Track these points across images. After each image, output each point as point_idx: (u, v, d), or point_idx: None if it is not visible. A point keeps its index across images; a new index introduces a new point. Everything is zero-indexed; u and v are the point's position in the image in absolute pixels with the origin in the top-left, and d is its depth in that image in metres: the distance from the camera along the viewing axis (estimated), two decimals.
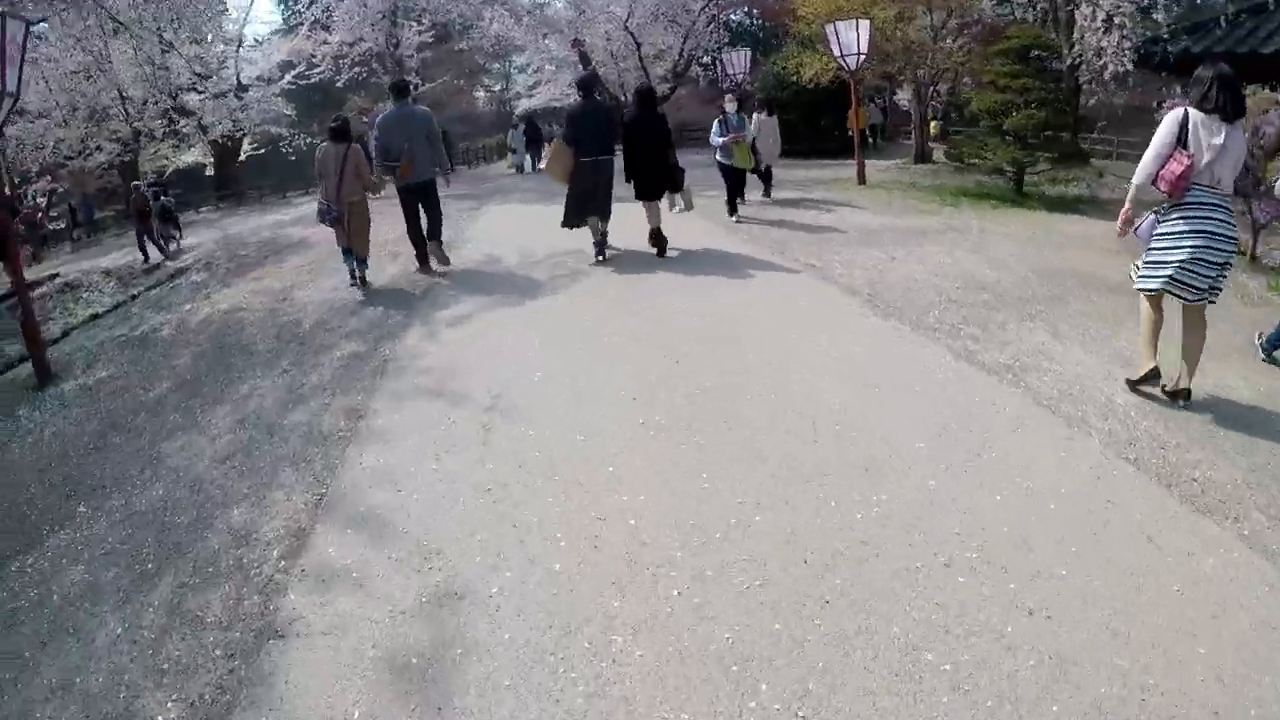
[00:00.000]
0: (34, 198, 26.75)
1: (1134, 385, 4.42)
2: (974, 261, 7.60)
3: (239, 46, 28.22)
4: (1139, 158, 4.24)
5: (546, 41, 29.08)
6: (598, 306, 6.59)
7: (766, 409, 4.33)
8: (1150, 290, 4.28)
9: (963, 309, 5.97)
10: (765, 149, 11.77)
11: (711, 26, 28.18)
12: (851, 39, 13.53)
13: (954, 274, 7.03)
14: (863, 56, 13.79)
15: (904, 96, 27.84)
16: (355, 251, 7.84)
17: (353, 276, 7.92)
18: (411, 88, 10.14)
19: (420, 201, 8.08)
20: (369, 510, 3.70)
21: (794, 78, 19.30)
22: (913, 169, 16.54)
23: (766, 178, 12.27)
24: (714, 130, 10.43)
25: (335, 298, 7.77)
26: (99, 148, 25.75)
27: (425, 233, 8.22)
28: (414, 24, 26.58)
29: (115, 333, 8.41)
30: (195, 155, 31.01)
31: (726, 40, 30.02)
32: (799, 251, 8.17)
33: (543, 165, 9.45)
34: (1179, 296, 4.19)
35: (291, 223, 16.04)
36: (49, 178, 26.69)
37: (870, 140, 22.95)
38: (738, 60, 19.59)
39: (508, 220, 12.19)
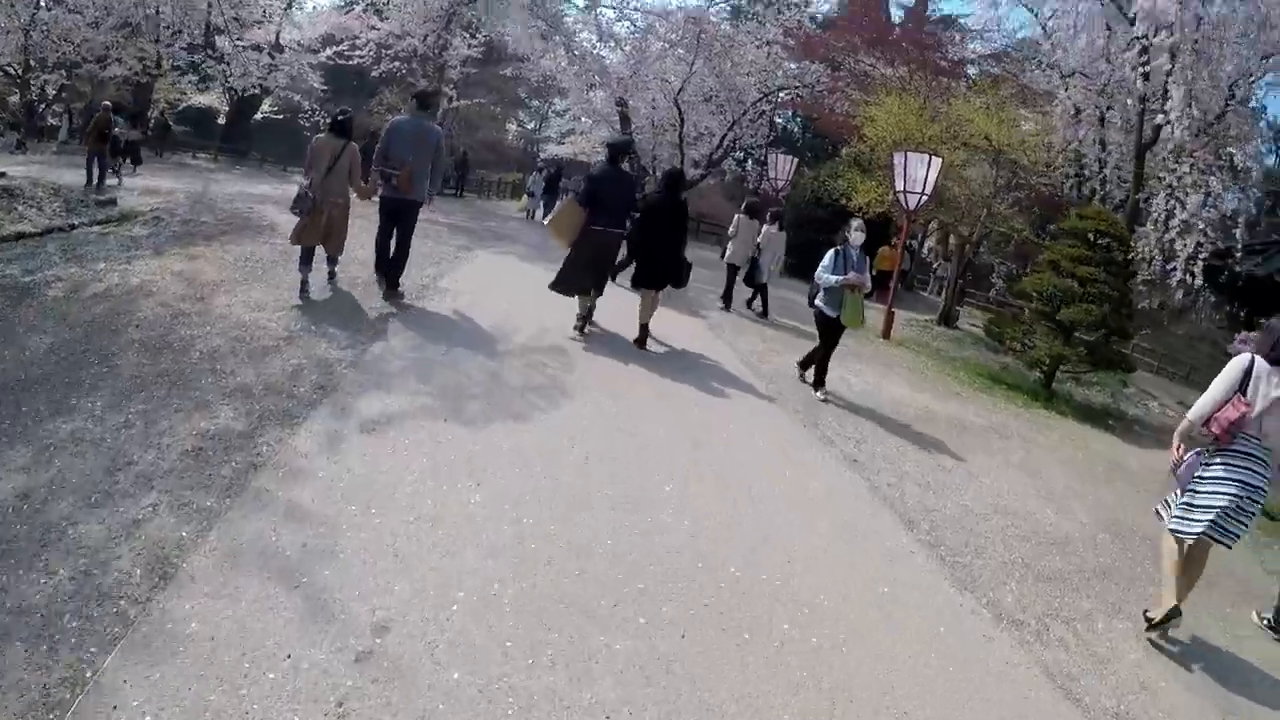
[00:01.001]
0: (43, 87, 26.06)
1: (1154, 625, 4.15)
2: (1032, 493, 6.34)
3: (288, 5, 27.11)
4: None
5: (591, 94, 28.36)
6: (573, 426, 5.19)
7: None
8: (1189, 535, 4.17)
9: (1040, 583, 4.60)
10: (766, 264, 11.82)
11: (759, 122, 27.54)
12: (919, 175, 12.58)
13: (1017, 513, 5.72)
14: (925, 197, 12.77)
15: (925, 245, 27.38)
16: (328, 250, 7.41)
17: (303, 289, 7.11)
18: (436, 102, 9.01)
19: (396, 225, 7.59)
20: None
21: (838, 198, 18.32)
22: (936, 331, 15.48)
23: (763, 294, 12.13)
24: (826, 263, 7.32)
25: (258, 320, 6.17)
26: (119, 59, 24.54)
27: (388, 265, 7.71)
28: (466, 35, 25.68)
29: (2, 271, 6.89)
30: (213, 99, 29.55)
31: (770, 139, 29.53)
32: (832, 427, 6.84)
33: (547, 221, 8.40)
34: (1218, 542, 4.14)
35: (272, 200, 14.57)
36: (63, 72, 25.71)
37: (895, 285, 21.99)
38: (783, 165, 18.68)
39: (496, 272, 10.87)
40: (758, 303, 12.34)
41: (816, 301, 7.51)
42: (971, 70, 25.09)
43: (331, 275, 7.76)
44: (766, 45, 25.02)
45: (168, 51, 25.24)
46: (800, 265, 21.43)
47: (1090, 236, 11.60)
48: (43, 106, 26.62)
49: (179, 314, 6.14)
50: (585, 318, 7.59)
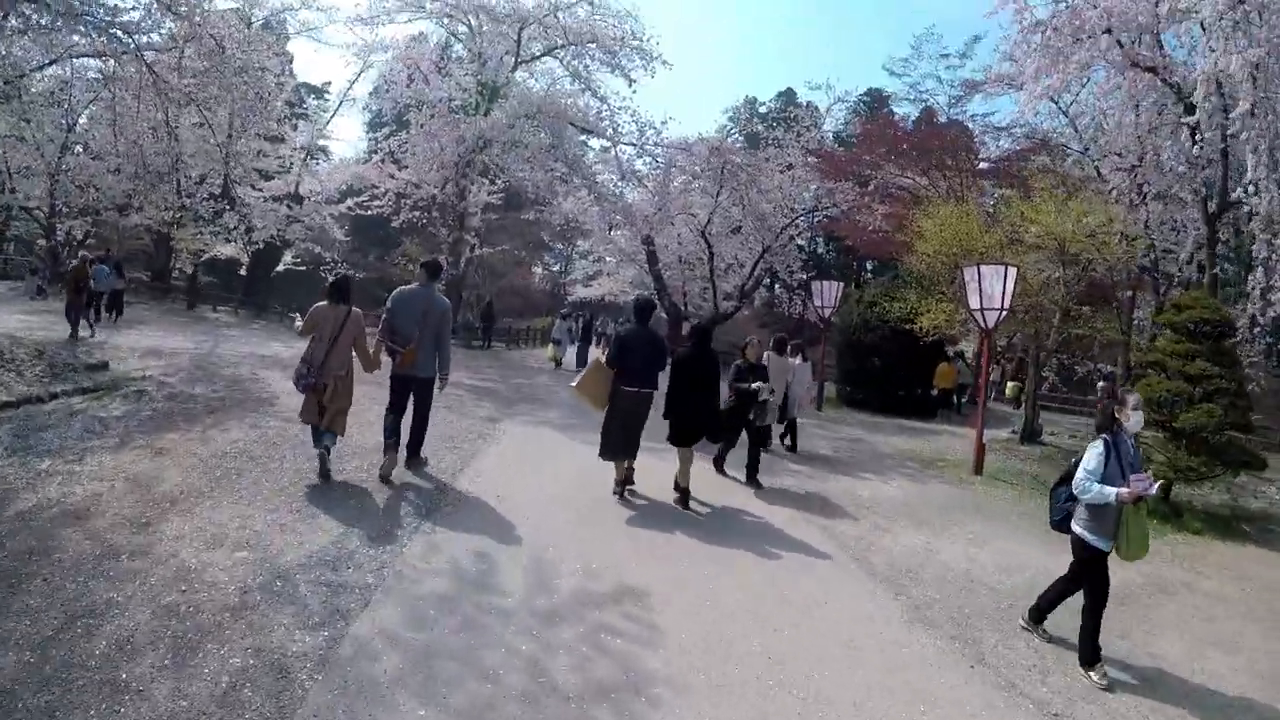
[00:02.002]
0: (69, 232, 26.64)
1: None
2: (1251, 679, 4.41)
3: (306, 156, 27.17)
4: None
5: (615, 234, 27.80)
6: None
7: None
8: None
9: None
10: (795, 397, 11.11)
11: (788, 247, 26.69)
12: (995, 289, 11.16)
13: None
14: (1004, 313, 11.33)
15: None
16: (328, 427, 6.59)
17: (323, 461, 6.61)
18: (444, 271, 8.13)
19: (412, 397, 7.14)
20: None
21: (895, 320, 16.90)
22: (1024, 452, 13.61)
23: (792, 428, 11.25)
24: (1091, 465, 4.70)
25: (208, 570, 4.47)
26: (141, 207, 24.51)
27: (407, 442, 7.20)
28: (485, 181, 25.33)
29: None
30: (234, 250, 29.34)
31: (801, 265, 28.63)
32: (942, 613, 5.13)
33: (574, 384, 7.51)
34: None
35: (279, 364, 13.44)
36: (88, 219, 25.98)
37: (955, 403, 20.22)
38: (829, 291, 17.40)
39: (529, 455, 8.62)
40: (789, 439, 11.36)
41: (1076, 527, 4.85)
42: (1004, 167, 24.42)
43: (325, 450, 6.66)
44: (788, 169, 24.48)
45: (190, 201, 25.07)
46: (853, 392, 20.02)
47: (1190, 327, 10.10)
48: (65, 251, 26.33)
49: (106, 555, 4.53)
50: (624, 482, 7.27)
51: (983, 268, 11.41)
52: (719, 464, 8.67)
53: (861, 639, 4.63)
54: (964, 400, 20.99)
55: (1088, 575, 4.82)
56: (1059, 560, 6.81)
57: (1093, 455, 4.73)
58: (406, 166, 23.54)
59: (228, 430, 8.02)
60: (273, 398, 10.20)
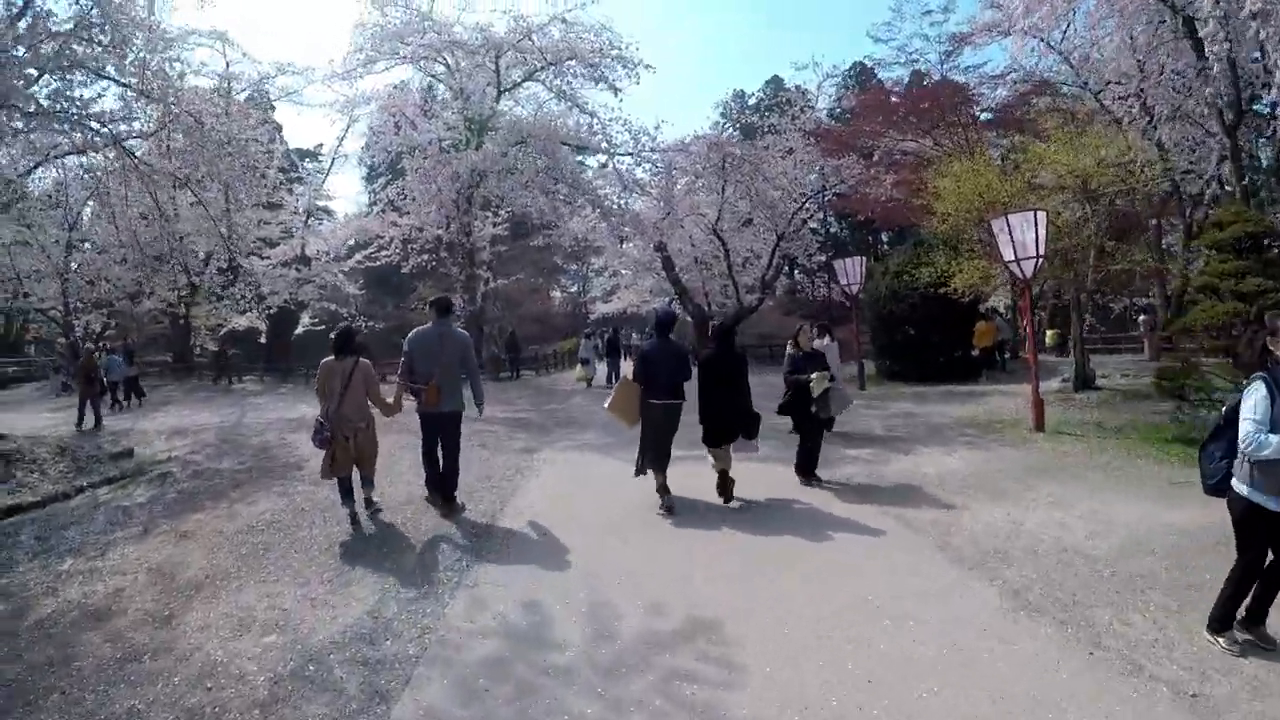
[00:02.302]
0: (86, 326, 27.23)
1: None
2: None
3: (308, 218, 27.19)
4: None
5: (627, 246, 27.44)
6: None
7: None
8: None
9: None
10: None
11: (801, 232, 26.17)
12: (1028, 237, 10.64)
13: None
14: (1041, 260, 10.77)
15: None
16: (362, 472, 6.87)
17: (353, 521, 6.63)
18: (454, 307, 7.97)
19: (440, 436, 7.03)
20: None
21: (927, 285, 16.30)
22: (1080, 400, 12.90)
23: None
24: (1255, 412, 3.77)
25: (235, 660, 4.10)
26: (152, 292, 25.09)
27: (439, 479, 7.10)
28: (489, 215, 25.10)
29: None
30: (250, 319, 29.48)
31: (817, 247, 28.11)
32: (1043, 595, 4.61)
33: (607, 405, 7.51)
34: None
35: (307, 425, 13.04)
36: (103, 311, 26.43)
37: (998, 360, 19.43)
38: (852, 268, 16.82)
39: (571, 476, 8.51)
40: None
41: (1240, 486, 3.94)
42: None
43: (369, 503, 6.97)
44: (789, 154, 23.97)
45: (200, 279, 25.32)
46: (892, 365, 19.34)
47: (1234, 244, 9.46)
48: (87, 344, 26.21)
49: (127, 658, 4.16)
50: (664, 488, 7.11)
51: (1011, 217, 10.86)
52: (803, 471, 7.93)
53: (964, 640, 4.09)
54: (1006, 356, 20.20)
55: (1255, 540, 3.95)
56: (1151, 511, 6.27)
57: (1255, 400, 3.77)
58: (408, 213, 23.41)
59: (255, 503, 7.70)
60: (300, 461, 9.92)
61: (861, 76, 44.69)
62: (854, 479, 7.98)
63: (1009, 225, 10.76)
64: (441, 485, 7.05)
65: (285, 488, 8.34)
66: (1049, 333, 24.37)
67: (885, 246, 39.74)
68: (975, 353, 18.81)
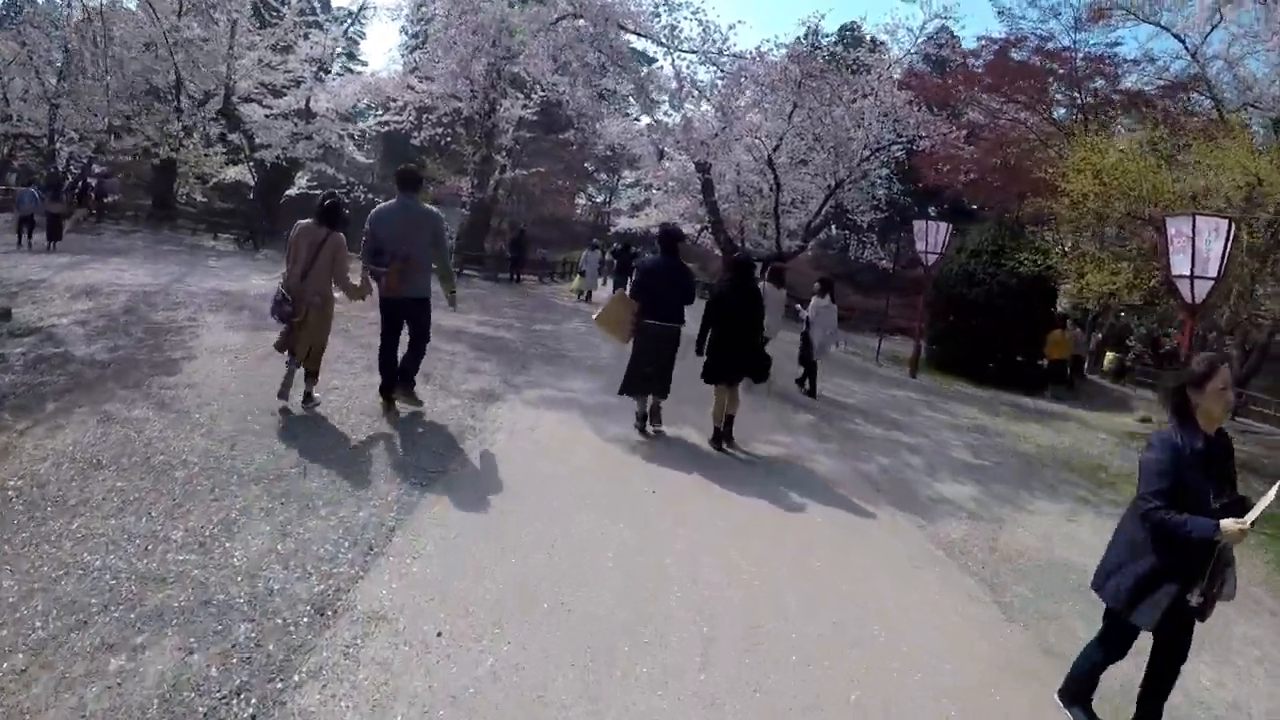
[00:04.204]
0: (69, 158, 25.84)
1: None
2: None
3: (319, 70, 24.04)
4: None
5: (666, 161, 24.34)
6: None
7: None
8: None
9: None
10: (818, 340, 10.33)
11: (863, 183, 23.07)
12: (1212, 251, 7.91)
13: None
14: (1217, 282, 8.13)
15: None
16: (303, 364, 6.02)
17: (284, 388, 5.96)
18: (425, 181, 7.17)
19: (408, 320, 6.29)
20: None
21: (998, 273, 13.72)
22: None
23: (811, 371, 10.38)
24: None
25: None
26: (132, 130, 23.00)
27: (398, 366, 6.32)
28: (519, 97, 22.00)
29: None
30: (241, 172, 26.74)
31: (871, 206, 24.91)
32: None
33: (595, 317, 6.96)
34: None
35: (242, 303, 10.73)
36: (90, 144, 24.57)
37: (1067, 377, 16.67)
38: (935, 234, 14.01)
39: (532, 454, 5.88)
40: (808, 383, 10.47)
41: None
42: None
43: (308, 398, 6.14)
44: (869, 95, 20.51)
45: (192, 121, 22.74)
46: (943, 354, 16.79)
47: None
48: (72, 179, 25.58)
49: None
50: (644, 417, 6.87)
51: (1200, 220, 8.04)
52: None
53: None
54: (1073, 376, 17.45)
55: None
56: None
57: None
58: (429, 79, 20.45)
59: (63, 428, 5.14)
60: (187, 357, 7.41)
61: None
62: (969, 544, 5.40)
63: (1193, 231, 7.95)
64: (401, 372, 6.31)
65: (129, 404, 5.80)
66: (1108, 356, 21.66)
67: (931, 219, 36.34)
68: (1044, 363, 16.21)
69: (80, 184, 25.34)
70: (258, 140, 22.82)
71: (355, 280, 6.12)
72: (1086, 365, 20.14)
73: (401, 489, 4.64)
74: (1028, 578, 4.97)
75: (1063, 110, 22.95)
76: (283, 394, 5.95)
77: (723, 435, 6.75)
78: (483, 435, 6.09)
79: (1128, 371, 22.46)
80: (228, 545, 3.71)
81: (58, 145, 24.08)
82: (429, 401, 6.58)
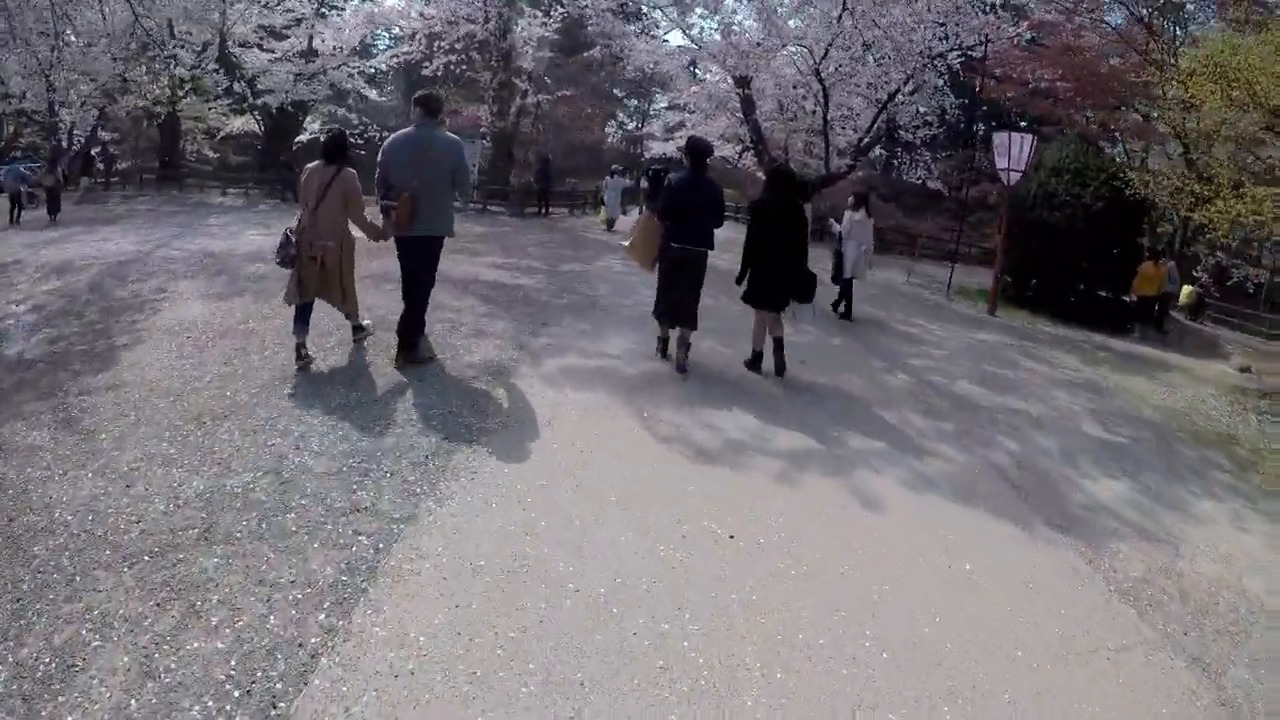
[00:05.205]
0: (71, 128, 24.61)
1: None
2: None
3: (320, 5, 22.31)
4: None
5: (700, 85, 22.20)
6: None
7: None
8: None
9: None
10: (852, 256, 9.61)
11: (919, 94, 20.69)
12: None
13: None
14: None
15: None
16: (339, 308, 5.79)
17: (299, 355, 5.44)
18: (443, 108, 5.89)
19: (413, 266, 5.54)
20: None
21: (1082, 194, 11.79)
22: None
23: (847, 292, 9.79)
24: None
25: None
26: (133, 88, 21.97)
27: (399, 326, 5.58)
28: (537, 15, 20.04)
29: None
30: (247, 123, 25.43)
31: (924, 122, 22.41)
32: None
33: (627, 244, 6.39)
34: None
35: (222, 266, 9.51)
36: (92, 113, 23.47)
37: (1154, 315, 14.61)
38: (1018, 147, 12.05)
39: (560, 412, 4.93)
40: (844, 305, 9.86)
41: None
42: None
43: (358, 334, 5.89)
44: None
45: (194, 72, 21.39)
46: (1019, 288, 14.90)
47: None
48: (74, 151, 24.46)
49: None
50: (666, 340, 6.36)
51: None
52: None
53: None
54: (1165, 317, 15.36)
55: None
56: None
57: None
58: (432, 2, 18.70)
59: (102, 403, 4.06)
60: (131, 344, 6.22)
61: None
62: (1154, 586, 3.81)
63: None
64: (405, 321, 5.54)
65: (27, 425, 4.58)
66: (1184, 290, 19.40)
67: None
68: (1131, 299, 14.24)
69: (84, 153, 24.50)
70: (259, 85, 21.42)
71: (370, 220, 5.62)
72: (1176, 302, 17.99)
73: (334, 575, 3.22)
74: (1236, 642, 3.47)
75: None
76: (301, 365, 5.40)
77: (763, 360, 6.31)
78: (479, 441, 4.43)
79: (1205, 307, 20.24)
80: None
81: (59, 117, 23.17)
82: (406, 395, 5.06)
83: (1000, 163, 12.16)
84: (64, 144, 24.21)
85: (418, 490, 3.79)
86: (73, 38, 21.57)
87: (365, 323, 5.98)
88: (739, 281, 6.27)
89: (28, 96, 22.03)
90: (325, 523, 3.44)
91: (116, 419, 4.59)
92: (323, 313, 5.85)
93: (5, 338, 6.69)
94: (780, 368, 6.27)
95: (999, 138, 12.50)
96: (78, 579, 3.06)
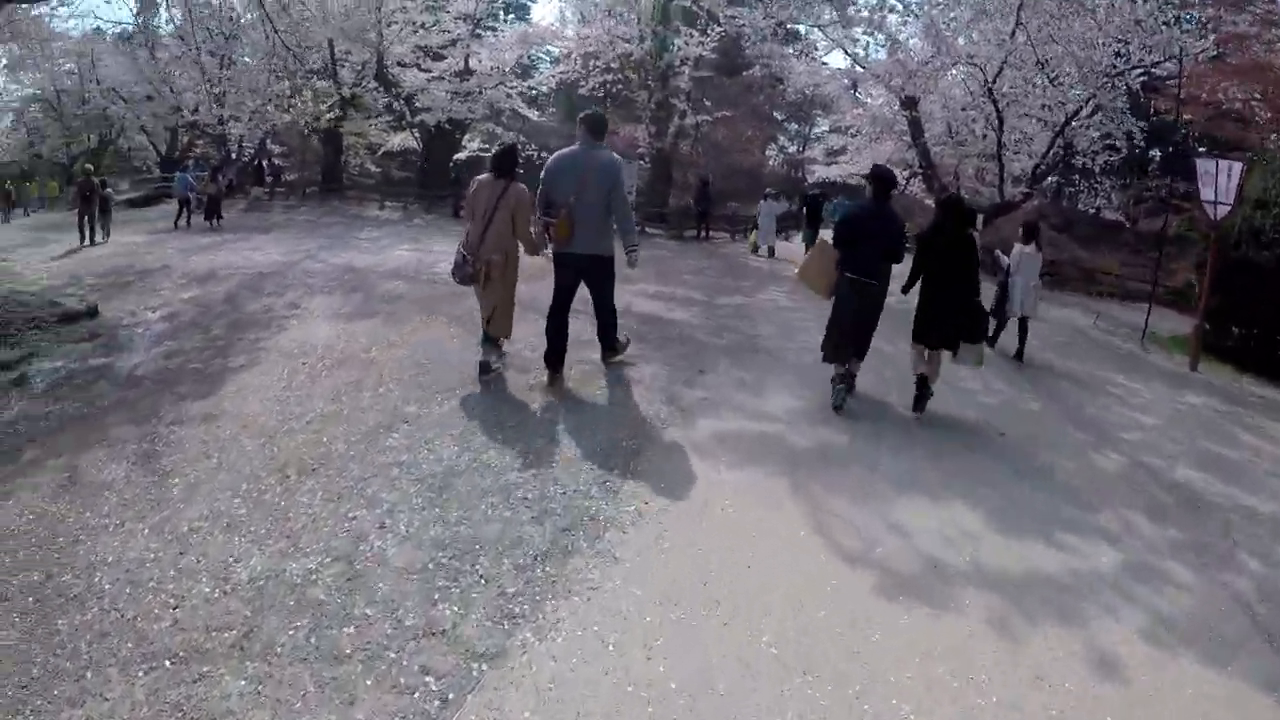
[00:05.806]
0: (240, 140, 26.87)
1: None
2: None
3: (475, 26, 22.65)
4: None
5: (863, 107, 20.93)
6: None
7: None
8: None
9: None
10: (1022, 291, 8.73)
11: (1098, 116, 18.46)
12: None
13: None
14: None
15: None
16: (489, 332, 5.60)
17: (483, 371, 5.54)
18: (607, 129, 5.86)
19: (586, 284, 5.59)
20: None
21: None
22: None
23: (1022, 332, 8.85)
24: None
25: None
26: (288, 108, 23.34)
27: (597, 333, 5.86)
28: (693, 32, 19.41)
29: None
30: (406, 140, 26.41)
31: (1104, 146, 19.96)
32: None
33: (798, 271, 6.30)
34: None
35: (360, 283, 9.21)
36: (260, 129, 25.12)
37: None
38: (1225, 176, 10.19)
39: (714, 500, 3.90)
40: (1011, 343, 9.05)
41: None
42: None
43: (484, 369, 5.53)
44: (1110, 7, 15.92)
45: (350, 92, 22.41)
46: (1222, 338, 12.53)
47: None
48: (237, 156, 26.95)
49: None
50: (846, 381, 5.69)
51: None
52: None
53: None
54: None
55: None
56: None
57: None
58: (589, 22, 18.57)
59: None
60: (246, 365, 5.97)
61: None
62: None
63: None
64: (601, 335, 5.85)
65: (108, 455, 4.22)
66: None
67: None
68: None
69: (254, 163, 26.31)
70: (417, 104, 22.13)
71: (533, 235, 5.54)
72: None
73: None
74: None
75: None
76: (483, 374, 5.52)
77: (925, 391, 5.85)
78: (606, 538, 3.48)
79: None
80: None
81: (228, 129, 25.00)
82: (525, 463, 4.21)
83: (1206, 194, 10.28)
84: (231, 155, 26.24)
85: (515, 610, 2.97)
86: (245, 58, 24.12)
87: (503, 353, 5.75)
88: (905, 291, 6.02)
89: (199, 110, 24.03)
90: (388, 648, 2.70)
91: (197, 460, 4.17)
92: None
93: (129, 347, 6.63)
94: (919, 404, 5.83)
95: (1204, 165, 10.58)
96: (88, 676, 2.60)
